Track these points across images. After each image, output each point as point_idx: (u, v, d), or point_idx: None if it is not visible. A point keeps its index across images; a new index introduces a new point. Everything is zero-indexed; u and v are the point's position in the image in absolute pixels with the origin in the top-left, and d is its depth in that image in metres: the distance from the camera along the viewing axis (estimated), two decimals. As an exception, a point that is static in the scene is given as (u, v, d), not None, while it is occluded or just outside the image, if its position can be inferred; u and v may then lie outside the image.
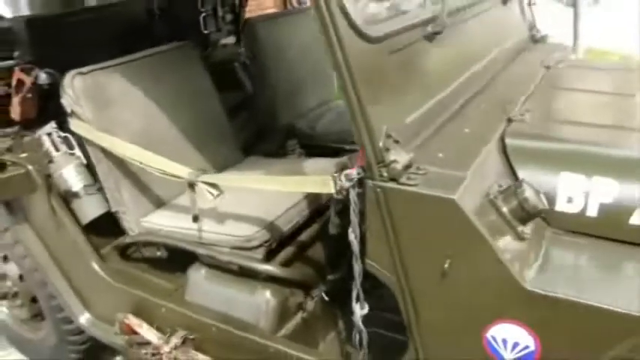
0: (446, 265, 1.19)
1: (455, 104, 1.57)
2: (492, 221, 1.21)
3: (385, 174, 1.21)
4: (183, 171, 1.67)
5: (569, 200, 1.30)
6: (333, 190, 1.29)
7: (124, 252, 2.10)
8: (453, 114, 1.54)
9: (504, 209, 1.22)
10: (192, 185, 1.66)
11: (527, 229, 1.23)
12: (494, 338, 1.22)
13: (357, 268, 1.32)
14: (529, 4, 2.76)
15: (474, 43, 1.84)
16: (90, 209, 2.07)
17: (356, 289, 1.35)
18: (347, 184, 1.25)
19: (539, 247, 1.25)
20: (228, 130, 2.34)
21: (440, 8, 1.50)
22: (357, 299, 1.37)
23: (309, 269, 1.82)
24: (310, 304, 1.78)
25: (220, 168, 2.19)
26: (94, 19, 2.73)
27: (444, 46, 1.59)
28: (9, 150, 2.07)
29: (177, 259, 1.95)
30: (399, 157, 1.21)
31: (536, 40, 2.61)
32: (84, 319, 2.11)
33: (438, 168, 1.25)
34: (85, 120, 1.87)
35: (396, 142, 1.24)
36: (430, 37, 1.50)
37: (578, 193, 1.29)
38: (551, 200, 1.31)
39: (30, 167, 1.97)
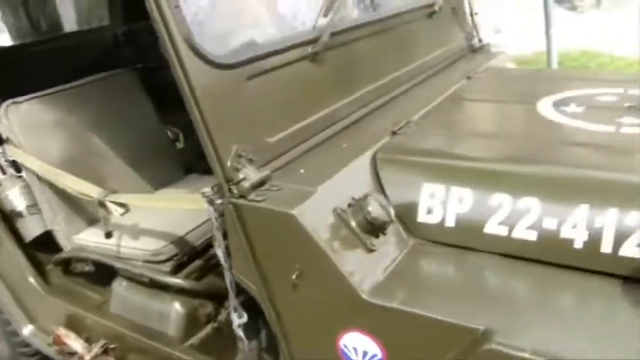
0: (294, 277, 1.25)
1: (343, 121, 1.63)
2: (343, 235, 1.26)
3: (235, 191, 1.28)
4: (94, 191, 1.78)
5: (429, 211, 1.34)
6: (205, 207, 1.37)
7: (65, 267, 2.22)
8: (338, 131, 1.60)
9: (352, 223, 1.27)
10: (102, 204, 1.76)
11: (375, 242, 1.28)
12: (346, 347, 1.27)
13: (228, 279, 1.39)
14: (471, 14, 2.80)
15: (375, 60, 1.88)
16: (32, 228, 2.20)
17: (231, 300, 1.42)
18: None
19: (390, 259, 1.29)
20: (169, 149, 2.45)
21: (323, 28, 1.57)
22: (235, 309, 1.43)
23: (221, 281, 1.90)
24: (223, 315, 1.85)
25: (158, 186, 2.30)
26: (59, 47, 2.90)
27: (331, 66, 1.65)
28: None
29: (109, 273, 2.05)
30: (250, 175, 1.28)
31: (474, 49, 2.65)
32: (27, 330, 2.23)
33: (293, 184, 1.31)
34: (18, 145, 2.01)
35: (250, 160, 1.31)
36: (312, 58, 1.57)
37: (437, 203, 1.33)
38: (413, 212, 1.36)
39: None
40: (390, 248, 1.31)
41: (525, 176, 1.27)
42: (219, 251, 1.37)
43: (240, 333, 1.44)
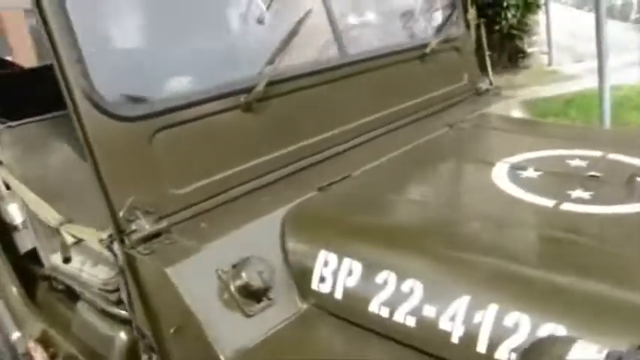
0: (171, 331, 1.25)
1: (276, 173, 1.60)
2: (222, 297, 1.24)
3: (127, 242, 1.30)
4: (54, 217, 1.88)
5: (322, 280, 1.29)
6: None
7: (49, 283, 2.36)
8: (269, 184, 1.57)
9: (231, 286, 1.24)
10: (57, 231, 1.86)
11: (256, 307, 1.24)
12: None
13: (133, 323, 1.41)
14: (483, 54, 2.66)
15: (335, 107, 1.83)
16: (25, 242, 2.37)
17: (140, 342, 1.45)
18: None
19: (271, 325, 1.25)
20: None
21: (260, 77, 1.56)
22: (144, 350, 1.46)
23: None
24: None
25: None
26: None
27: (273, 114, 1.63)
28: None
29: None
30: (143, 227, 1.30)
31: (480, 92, 2.51)
32: (14, 336, 2.39)
33: (186, 239, 1.31)
34: (9, 168, 2.17)
35: (147, 212, 1.32)
36: (245, 107, 1.56)
37: (329, 273, 1.28)
38: (308, 277, 1.31)
39: None
40: (273, 314, 1.27)
41: (412, 257, 1.19)
42: (123, 295, 1.40)
43: None
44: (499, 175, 1.53)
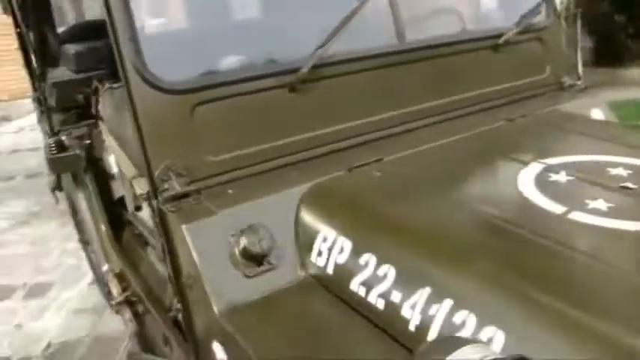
0: (183, 280, 1.42)
1: (316, 150, 1.69)
2: (229, 258, 1.38)
3: (160, 199, 1.49)
4: (129, 171, 2.16)
5: (319, 253, 1.38)
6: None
7: (132, 226, 2.70)
8: (305, 160, 1.66)
9: (236, 249, 1.38)
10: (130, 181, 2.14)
11: (257, 269, 1.37)
12: (215, 353, 1.40)
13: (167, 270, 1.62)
14: (575, 48, 2.48)
15: (388, 91, 1.85)
16: (119, 189, 2.74)
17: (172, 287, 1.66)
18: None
19: (269, 288, 1.37)
20: None
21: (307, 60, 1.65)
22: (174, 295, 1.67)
23: None
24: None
25: None
26: None
27: (319, 95, 1.71)
28: (79, 137, 2.86)
29: None
30: (174, 187, 1.47)
31: (563, 87, 2.35)
32: (104, 268, 2.80)
33: (211, 202, 1.46)
34: (107, 124, 2.51)
35: (180, 175, 1.49)
36: (291, 87, 1.66)
37: (325, 248, 1.36)
38: (309, 250, 1.41)
39: (78, 151, 2.72)
40: (272, 278, 1.39)
41: (390, 244, 1.23)
42: (158, 245, 1.61)
43: None
44: (526, 176, 1.48)
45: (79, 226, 3.55)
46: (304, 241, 1.43)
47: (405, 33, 1.91)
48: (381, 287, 1.18)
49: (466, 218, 1.28)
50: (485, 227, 1.25)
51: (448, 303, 1.04)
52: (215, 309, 1.32)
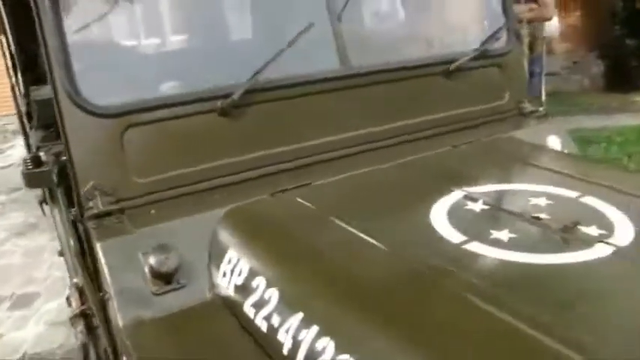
0: (100, 295, 1.45)
1: (242, 174, 1.70)
2: (140, 275, 1.40)
3: (85, 217, 1.52)
4: None
5: (224, 274, 1.39)
6: None
7: None
8: (233, 183, 1.68)
9: (146, 267, 1.39)
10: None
11: (165, 287, 1.38)
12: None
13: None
14: (539, 75, 2.47)
15: (322, 119, 1.85)
16: None
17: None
18: None
19: (174, 305, 1.38)
20: None
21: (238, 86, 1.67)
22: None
23: None
24: None
25: None
26: None
27: (249, 121, 1.72)
28: (56, 154, 2.93)
29: None
30: (97, 206, 1.51)
31: (524, 113, 2.33)
32: (73, 281, 2.84)
33: (130, 221, 1.49)
34: None
35: (106, 194, 1.53)
36: (221, 112, 1.68)
37: (229, 270, 1.38)
38: (216, 270, 1.42)
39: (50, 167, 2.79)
40: (180, 297, 1.40)
41: (278, 267, 1.23)
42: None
43: None
44: (443, 204, 1.46)
45: (60, 239, 3.62)
46: (215, 262, 1.44)
47: (349, 58, 1.92)
48: (265, 310, 1.19)
49: (357, 248, 1.27)
50: (369, 257, 1.24)
51: (314, 329, 1.04)
52: (120, 323, 1.34)
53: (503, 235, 1.27)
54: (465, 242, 1.24)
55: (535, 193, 1.51)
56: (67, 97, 1.50)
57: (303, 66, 1.85)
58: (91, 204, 1.52)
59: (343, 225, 1.35)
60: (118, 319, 1.35)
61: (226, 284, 1.36)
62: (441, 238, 1.27)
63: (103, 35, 1.70)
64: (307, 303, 1.11)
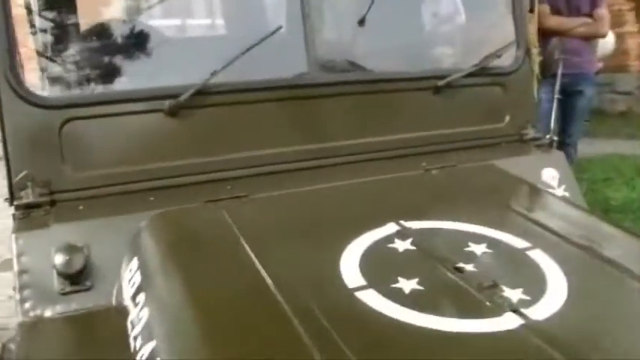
0: (12, 286, 1.45)
1: (181, 179, 1.64)
2: (49, 272, 1.37)
3: (14, 206, 1.51)
4: None
5: (128, 281, 1.33)
6: None
7: None
8: (176, 186, 1.63)
9: (56, 265, 1.36)
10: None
11: (71, 287, 1.36)
12: None
13: None
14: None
15: (279, 127, 1.75)
16: None
17: None
18: None
19: (81, 306, 1.35)
20: None
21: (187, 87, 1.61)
22: None
23: None
24: None
25: None
26: None
27: (198, 123, 1.66)
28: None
29: None
30: (27, 196, 1.50)
31: (524, 140, 2.12)
32: None
33: (55, 215, 1.47)
34: None
35: (39, 185, 1.51)
36: (170, 112, 1.62)
37: (127, 279, 1.34)
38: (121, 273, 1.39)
39: None
40: (85, 299, 1.37)
41: (158, 288, 1.19)
42: None
43: None
44: (368, 238, 1.32)
45: None
46: (124, 267, 1.39)
47: (318, 66, 1.80)
48: (135, 330, 1.13)
49: (240, 281, 1.18)
50: (243, 293, 1.14)
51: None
52: (20, 318, 1.33)
53: (409, 285, 1.13)
54: (360, 288, 1.12)
55: (478, 237, 1.35)
56: (7, 84, 1.49)
57: (269, 70, 1.76)
58: (22, 194, 1.51)
59: (247, 249, 1.25)
60: (19, 314, 1.33)
61: (125, 292, 1.31)
62: (336, 280, 1.15)
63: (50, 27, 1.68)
64: (161, 333, 1.04)
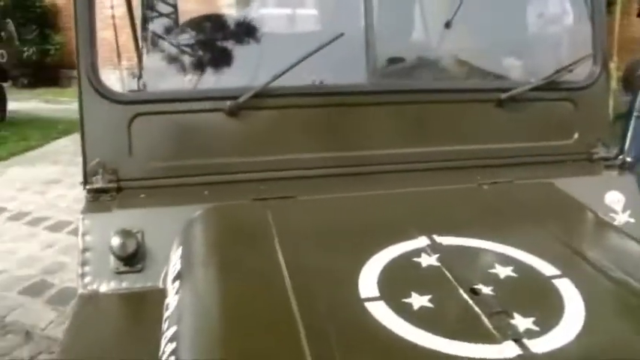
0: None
1: (237, 175, 1.76)
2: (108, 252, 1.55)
3: (86, 189, 1.71)
4: None
5: (172, 268, 1.47)
6: None
7: None
8: (225, 182, 1.75)
9: (112, 246, 1.53)
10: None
11: (125, 267, 1.53)
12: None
13: None
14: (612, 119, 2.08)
15: (337, 132, 1.82)
16: None
17: None
18: None
19: (135, 285, 1.53)
20: None
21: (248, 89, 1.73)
22: None
23: None
24: None
25: None
26: None
27: (257, 123, 1.78)
28: None
29: None
30: (98, 181, 1.69)
31: (593, 159, 2.01)
32: None
33: (119, 201, 1.66)
34: None
35: (110, 171, 1.70)
36: (230, 112, 1.75)
37: (171, 266, 1.47)
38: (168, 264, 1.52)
39: None
40: (136, 280, 1.53)
41: (189, 278, 1.32)
42: None
43: None
44: (394, 250, 1.33)
45: None
46: (172, 254, 1.53)
47: (377, 74, 1.84)
48: (167, 313, 1.26)
49: (261, 281, 1.26)
50: (263, 292, 1.21)
51: (171, 346, 1.09)
52: (79, 291, 1.52)
53: (420, 301, 1.15)
54: (372, 299, 1.16)
55: (508, 259, 1.33)
56: (88, 81, 1.69)
57: (331, 76, 1.84)
58: (93, 179, 1.71)
59: (278, 251, 1.33)
60: (79, 288, 1.52)
61: (169, 277, 1.45)
62: (353, 289, 1.20)
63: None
64: (183, 319, 1.15)
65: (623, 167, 2.01)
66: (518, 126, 1.98)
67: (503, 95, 1.91)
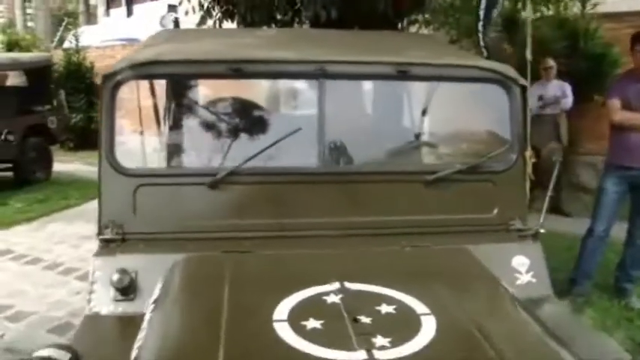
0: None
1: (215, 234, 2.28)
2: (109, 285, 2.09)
3: (99, 239, 2.27)
4: None
5: (152, 299, 1.99)
6: None
7: None
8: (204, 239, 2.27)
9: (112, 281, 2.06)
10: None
11: (122, 297, 2.04)
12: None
13: None
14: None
15: (295, 205, 2.33)
16: None
17: None
18: None
19: (120, 310, 2.05)
20: None
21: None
22: None
23: None
24: None
25: None
26: None
27: (233, 195, 2.33)
28: None
29: None
30: (107, 233, 2.24)
31: (509, 230, 2.43)
32: None
33: (122, 249, 2.20)
34: None
35: (117, 225, 2.25)
36: (211, 186, 2.30)
37: (151, 302, 1.98)
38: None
39: None
40: (130, 307, 2.05)
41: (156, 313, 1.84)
42: None
43: None
44: (310, 290, 1.79)
45: None
46: (156, 288, 2.05)
47: (326, 159, 2.36)
48: (142, 326, 1.79)
49: (208, 312, 1.74)
50: (205, 323, 1.71)
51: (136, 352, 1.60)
52: (86, 312, 2.05)
53: (314, 323, 1.62)
54: (279, 321, 1.63)
55: (394, 301, 1.76)
56: (107, 161, 2.29)
57: (291, 159, 2.38)
58: (105, 231, 2.26)
59: (226, 291, 1.81)
60: (86, 308, 2.04)
61: (149, 302, 1.97)
62: (269, 315, 1.67)
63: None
64: (146, 334, 1.70)
65: (535, 237, 2.41)
66: (446, 201, 2.41)
67: (430, 177, 2.39)
